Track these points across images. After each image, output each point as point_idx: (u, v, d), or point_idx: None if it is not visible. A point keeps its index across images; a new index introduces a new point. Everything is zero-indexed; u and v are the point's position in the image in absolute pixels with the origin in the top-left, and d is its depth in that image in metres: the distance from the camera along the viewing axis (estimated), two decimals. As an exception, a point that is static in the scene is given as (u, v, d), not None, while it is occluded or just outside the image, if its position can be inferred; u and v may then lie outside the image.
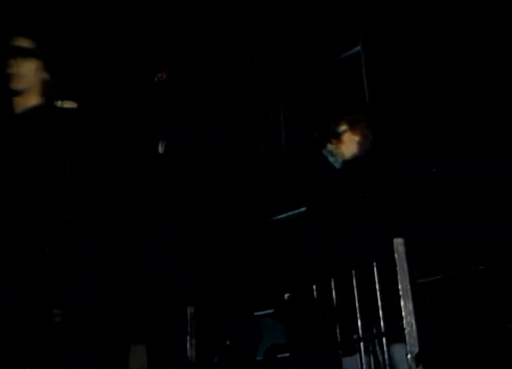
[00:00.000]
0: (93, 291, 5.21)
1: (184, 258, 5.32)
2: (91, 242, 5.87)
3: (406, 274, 3.60)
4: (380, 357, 3.93)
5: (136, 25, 6.14)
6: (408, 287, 3.57)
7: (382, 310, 3.84)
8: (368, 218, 4.56)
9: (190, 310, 4.28)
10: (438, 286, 4.16)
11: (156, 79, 6.35)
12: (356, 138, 4.76)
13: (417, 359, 3.41)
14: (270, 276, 4.82)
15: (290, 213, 4.89)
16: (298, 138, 5.86)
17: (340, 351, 4.06)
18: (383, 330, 3.84)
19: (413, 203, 4.65)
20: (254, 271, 4.93)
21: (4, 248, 5.32)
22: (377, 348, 4.02)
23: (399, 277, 3.59)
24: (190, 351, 4.23)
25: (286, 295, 4.36)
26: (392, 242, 3.65)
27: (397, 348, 3.89)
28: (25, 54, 4.25)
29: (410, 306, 3.53)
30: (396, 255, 3.63)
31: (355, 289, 3.94)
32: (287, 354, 4.25)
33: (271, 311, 4.63)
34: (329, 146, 4.81)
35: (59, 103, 4.77)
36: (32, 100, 4.35)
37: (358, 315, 3.92)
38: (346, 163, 4.78)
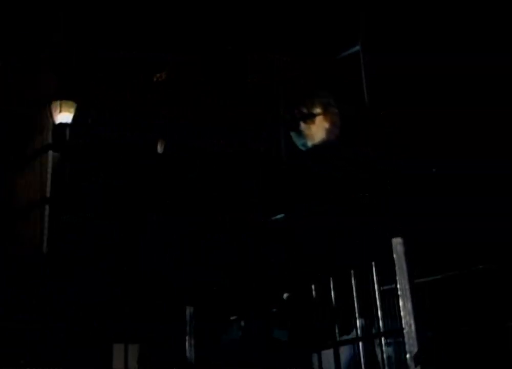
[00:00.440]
0: (93, 291, 5.22)
1: (184, 258, 5.32)
2: (91, 242, 5.88)
3: (405, 274, 3.59)
4: (379, 357, 3.93)
5: (136, 25, 6.15)
6: (407, 287, 3.56)
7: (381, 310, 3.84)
8: (367, 217, 4.56)
9: (189, 310, 4.28)
10: (437, 286, 4.16)
11: (155, 79, 6.36)
12: (327, 124, 4.69)
13: (416, 358, 3.41)
14: (270, 276, 4.82)
15: (275, 217, 4.90)
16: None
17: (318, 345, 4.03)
18: (382, 330, 3.83)
19: (413, 203, 4.65)
20: (254, 271, 4.93)
21: (4, 248, 5.33)
22: (376, 347, 4.02)
23: (397, 277, 3.58)
24: (189, 351, 4.22)
25: (285, 295, 4.35)
26: (391, 242, 3.64)
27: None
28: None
29: (409, 306, 3.52)
30: (394, 255, 3.63)
31: (354, 289, 3.93)
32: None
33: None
34: (301, 126, 4.72)
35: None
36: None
37: (357, 314, 3.92)
38: (316, 149, 4.73)
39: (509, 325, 3.88)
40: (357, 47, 5.90)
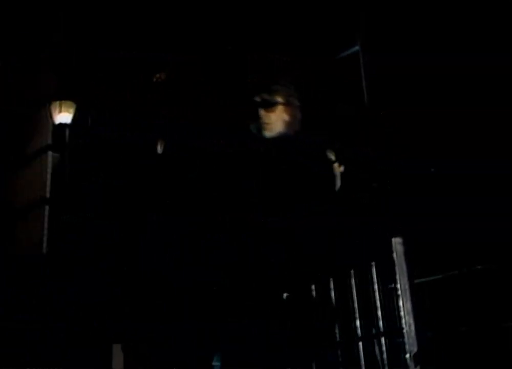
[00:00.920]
0: (93, 291, 5.22)
1: (183, 258, 5.32)
2: (91, 242, 5.89)
3: (405, 274, 3.59)
4: (379, 357, 3.93)
5: (136, 25, 6.15)
6: (407, 286, 3.56)
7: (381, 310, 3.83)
8: (367, 217, 4.56)
9: (189, 310, 4.27)
10: (436, 285, 4.16)
11: (155, 79, 6.36)
12: (286, 116, 4.62)
13: (416, 358, 3.40)
14: (270, 276, 4.81)
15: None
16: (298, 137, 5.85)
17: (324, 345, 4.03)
18: (382, 330, 3.83)
19: (413, 203, 4.65)
20: (254, 271, 4.92)
21: (4, 248, 5.33)
22: (376, 347, 4.02)
23: (397, 277, 3.58)
24: (190, 351, 4.22)
25: (285, 295, 4.34)
26: (391, 242, 3.64)
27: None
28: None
29: (409, 305, 3.52)
30: (394, 255, 3.62)
31: (354, 289, 3.93)
32: None
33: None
34: (260, 112, 4.65)
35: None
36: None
37: (357, 315, 3.91)
38: (277, 141, 4.69)
39: (509, 325, 3.88)
40: (357, 47, 5.90)
